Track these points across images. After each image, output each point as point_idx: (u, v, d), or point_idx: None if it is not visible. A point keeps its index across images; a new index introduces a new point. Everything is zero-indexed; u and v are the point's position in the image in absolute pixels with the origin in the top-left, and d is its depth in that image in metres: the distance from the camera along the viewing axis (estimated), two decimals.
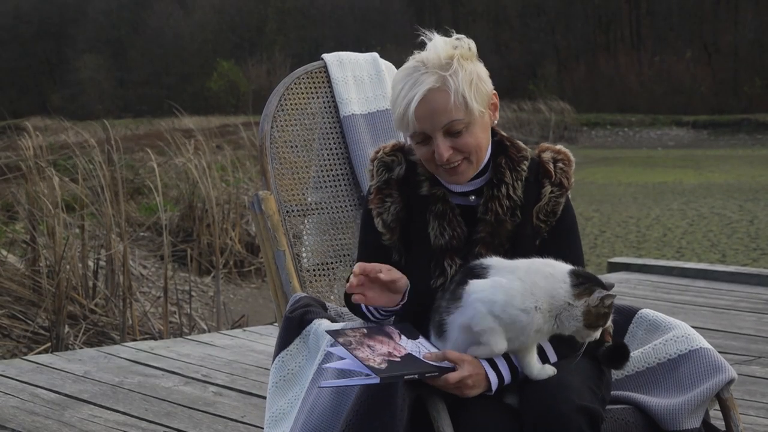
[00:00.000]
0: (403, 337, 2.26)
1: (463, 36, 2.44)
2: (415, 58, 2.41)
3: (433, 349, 2.27)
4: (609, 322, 2.26)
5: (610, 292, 2.20)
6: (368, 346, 2.18)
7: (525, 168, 2.46)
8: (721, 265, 8.92)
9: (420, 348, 2.24)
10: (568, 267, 2.26)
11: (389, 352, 2.18)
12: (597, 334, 2.24)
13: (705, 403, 2.44)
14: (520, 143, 2.51)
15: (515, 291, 2.20)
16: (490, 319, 2.19)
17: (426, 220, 2.45)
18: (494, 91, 2.44)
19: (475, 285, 2.23)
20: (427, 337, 2.34)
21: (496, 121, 2.47)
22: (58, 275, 6.93)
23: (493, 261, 2.30)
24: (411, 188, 2.48)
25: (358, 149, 3.08)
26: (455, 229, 2.43)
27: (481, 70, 2.42)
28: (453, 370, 2.20)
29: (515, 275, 2.23)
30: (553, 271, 2.24)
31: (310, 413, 2.43)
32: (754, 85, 44.34)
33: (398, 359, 2.16)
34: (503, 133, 2.52)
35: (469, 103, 2.35)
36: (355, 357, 2.12)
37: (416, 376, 2.13)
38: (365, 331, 2.24)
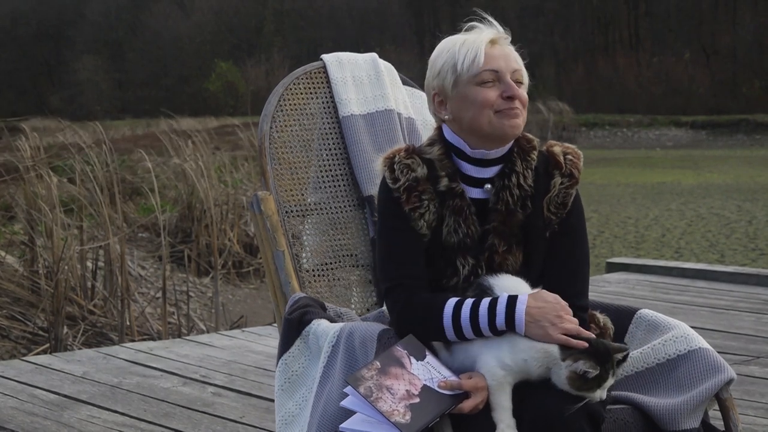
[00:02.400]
0: (412, 360, 2.28)
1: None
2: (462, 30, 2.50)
3: (443, 369, 2.29)
4: (600, 394, 2.20)
5: (589, 369, 2.16)
6: (387, 388, 2.20)
7: (534, 157, 2.47)
8: (720, 265, 8.93)
9: (431, 372, 2.27)
10: None
11: (407, 391, 2.21)
12: (595, 395, 2.20)
13: (704, 403, 2.43)
14: (528, 134, 2.52)
15: (514, 344, 2.25)
16: (501, 374, 2.24)
17: (442, 216, 2.45)
18: None
19: (480, 344, 2.29)
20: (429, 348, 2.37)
21: None
22: (57, 276, 6.93)
23: (506, 286, 2.32)
24: (433, 185, 2.47)
25: (357, 150, 3.08)
26: (469, 227, 2.43)
27: None
28: (466, 395, 2.23)
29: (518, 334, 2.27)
30: None
31: (322, 417, 2.43)
32: (752, 86, 44.41)
33: (417, 398, 2.20)
34: None
35: (522, 64, 2.47)
36: (380, 411, 2.15)
37: (438, 419, 2.19)
38: (378, 365, 2.24)
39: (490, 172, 2.47)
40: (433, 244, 2.45)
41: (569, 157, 2.49)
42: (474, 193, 2.47)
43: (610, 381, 2.21)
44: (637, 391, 2.53)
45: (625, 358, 2.27)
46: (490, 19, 2.48)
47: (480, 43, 2.42)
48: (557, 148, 2.51)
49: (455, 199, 2.44)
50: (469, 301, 2.32)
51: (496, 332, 2.28)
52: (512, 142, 2.48)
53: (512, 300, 2.29)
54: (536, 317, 2.26)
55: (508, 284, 2.33)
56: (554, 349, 2.20)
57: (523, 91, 2.44)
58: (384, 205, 2.50)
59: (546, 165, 2.48)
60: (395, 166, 2.47)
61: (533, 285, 2.37)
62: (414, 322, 2.38)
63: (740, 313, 6.21)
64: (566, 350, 2.19)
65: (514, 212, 2.43)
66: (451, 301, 2.33)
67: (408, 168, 2.46)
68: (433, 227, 2.44)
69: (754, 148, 33.57)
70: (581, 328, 2.28)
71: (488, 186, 2.46)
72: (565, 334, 2.24)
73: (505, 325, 2.27)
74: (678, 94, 44.10)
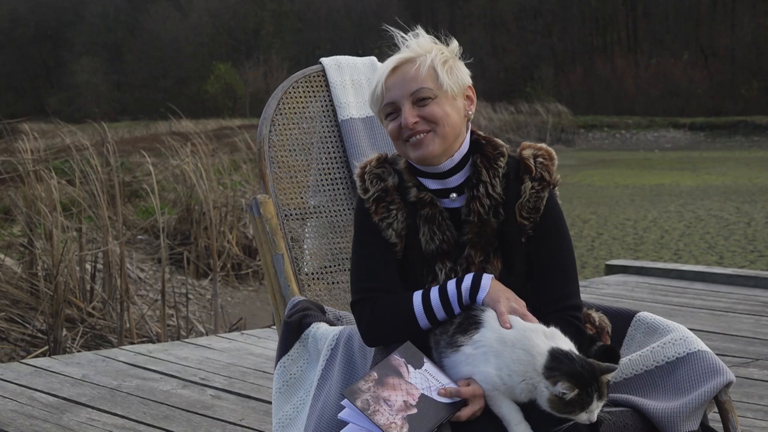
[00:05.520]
0: (410, 369, 2.27)
1: (451, 39, 2.51)
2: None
3: (441, 376, 2.29)
4: (588, 417, 2.17)
5: (565, 390, 2.13)
6: (384, 400, 2.19)
7: (502, 164, 2.46)
8: (719, 267, 8.93)
9: (429, 380, 2.27)
10: (552, 346, 2.22)
11: (405, 401, 2.20)
12: (581, 417, 2.17)
13: (703, 405, 2.43)
14: (498, 140, 2.51)
15: (499, 356, 2.24)
16: (488, 388, 2.24)
17: (416, 226, 2.45)
18: (471, 86, 2.50)
19: (467, 355, 2.28)
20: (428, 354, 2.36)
21: (471, 113, 2.50)
22: (56, 278, 6.93)
23: (491, 320, 2.30)
24: (403, 195, 2.47)
25: (357, 153, 3.09)
26: (445, 233, 2.43)
27: (460, 64, 2.48)
28: (465, 403, 2.23)
29: (503, 343, 2.25)
30: (536, 350, 2.22)
31: (319, 420, 2.43)
32: (750, 87, 44.43)
33: (415, 409, 2.20)
34: (480, 133, 2.53)
35: (440, 76, 2.41)
36: (377, 425, 2.15)
37: (436, 429, 2.19)
38: (376, 376, 2.23)
39: (453, 182, 2.46)
40: (411, 251, 2.45)
41: (540, 159, 2.47)
42: (444, 203, 2.47)
43: (597, 404, 2.17)
44: (636, 393, 2.53)
45: (608, 384, 2.24)
46: (406, 38, 2.47)
47: (381, 77, 2.44)
48: (528, 151, 2.48)
49: (426, 208, 2.44)
50: (435, 287, 2.38)
51: (462, 304, 2.35)
52: (477, 153, 2.47)
53: (479, 273, 2.37)
54: (497, 288, 2.34)
55: (490, 319, 2.32)
56: (538, 364, 2.18)
57: (430, 108, 2.40)
58: (357, 216, 2.52)
59: (516, 170, 2.46)
60: (365, 176, 2.49)
61: (517, 292, 2.38)
62: (384, 324, 2.41)
63: (739, 316, 6.21)
64: (549, 370, 2.17)
65: (487, 222, 2.42)
66: (418, 292, 2.39)
67: (378, 178, 2.47)
68: (404, 235, 2.44)
69: (753, 149, 33.57)
70: (530, 315, 2.31)
71: (454, 195, 2.46)
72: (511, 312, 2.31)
73: (470, 289, 2.34)
74: (676, 95, 44.12)
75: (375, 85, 2.46)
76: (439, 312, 2.36)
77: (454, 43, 2.49)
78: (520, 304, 2.33)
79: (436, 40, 2.48)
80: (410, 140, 2.41)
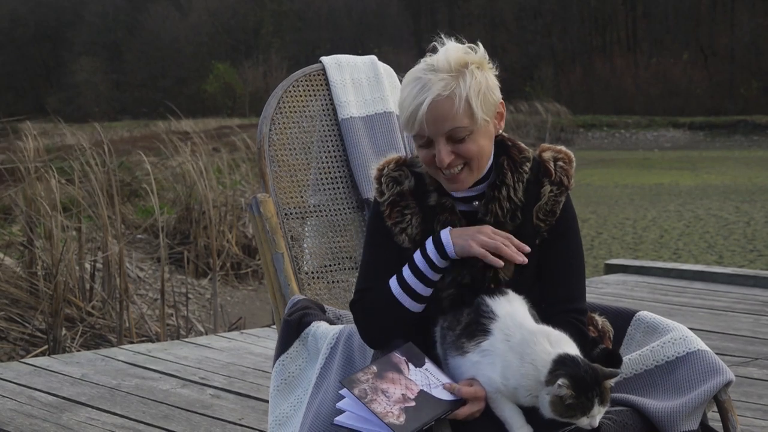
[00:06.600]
0: (411, 366, 2.28)
1: (478, 45, 2.42)
2: (426, 61, 2.38)
3: (442, 375, 2.29)
4: (590, 422, 2.15)
5: (561, 385, 2.11)
6: (382, 391, 2.19)
7: (527, 169, 2.44)
8: (718, 266, 8.92)
9: (429, 378, 2.27)
10: (559, 352, 2.20)
11: (403, 395, 2.20)
12: (583, 422, 2.16)
13: (703, 405, 2.43)
14: (522, 144, 2.49)
15: (507, 368, 2.22)
16: (491, 390, 2.23)
17: (432, 230, 2.43)
18: (501, 101, 2.43)
19: (473, 362, 2.26)
20: (430, 355, 2.36)
21: (500, 131, 2.46)
22: (55, 278, 6.93)
23: (500, 317, 2.28)
24: (420, 199, 2.45)
25: (357, 152, 3.09)
26: None
27: (491, 79, 2.39)
28: (464, 402, 2.23)
29: (512, 353, 2.22)
30: (542, 363, 2.19)
31: (315, 418, 2.43)
32: (750, 87, 44.44)
33: (413, 403, 2.20)
34: (505, 134, 2.50)
35: (474, 111, 2.33)
36: (374, 413, 2.15)
37: (433, 423, 2.19)
38: (375, 369, 2.24)
39: (477, 190, 2.45)
40: None
41: (560, 163, 2.46)
42: (463, 206, 2.46)
43: (599, 408, 2.16)
44: (636, 393, 2.53)
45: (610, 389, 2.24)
46: (431, 54, 2.39)
47: (418, 109, 2.32)
48: (548, 154, 2.47)
49: (445, 214, 2.42)
50: (406, 265, 2.39)
51: (436, 268, 2.35)
52: (503, 155, 2.45)
53: (437, 234, 2.38)
54: (459, 234, 2.35)
55: (506, 308, 2.31)
56: (542, 375, 2.17)
57: (465, 146, 2.35)
58: (371, 218, 2.51)
59: (537, 173, 2.45)
60: (382, 179, 2.47)
61: (527, 293, 2.37)
62: (376, 317, 2.41)
63: (738, 315, 6.21)
64: (551, 375, 2.15)
65: (502, 224, 2.40)
66: (393, 276, 2.40)
67: (394, 181, 2.45)
68: (418, 240, 2.42)
69: (752, 149, 33.58)
70: (506, 244, 2.33)
71: (476, 203, 2.45)
72: (485, 247, 2.31)
73: (436, 250, 2.34)
74: (676, 95, 44.13)
75: (408, 109, 2.34)
76: (418, 286, 2.37)
77: (481, 50, 2.40)
78: (487, 233, 2.34)
79: (469, 51, 2.38)
80: (444, 172, 2.38)
